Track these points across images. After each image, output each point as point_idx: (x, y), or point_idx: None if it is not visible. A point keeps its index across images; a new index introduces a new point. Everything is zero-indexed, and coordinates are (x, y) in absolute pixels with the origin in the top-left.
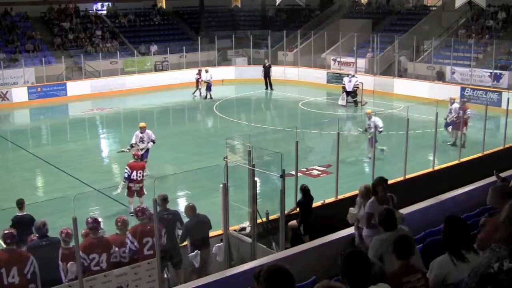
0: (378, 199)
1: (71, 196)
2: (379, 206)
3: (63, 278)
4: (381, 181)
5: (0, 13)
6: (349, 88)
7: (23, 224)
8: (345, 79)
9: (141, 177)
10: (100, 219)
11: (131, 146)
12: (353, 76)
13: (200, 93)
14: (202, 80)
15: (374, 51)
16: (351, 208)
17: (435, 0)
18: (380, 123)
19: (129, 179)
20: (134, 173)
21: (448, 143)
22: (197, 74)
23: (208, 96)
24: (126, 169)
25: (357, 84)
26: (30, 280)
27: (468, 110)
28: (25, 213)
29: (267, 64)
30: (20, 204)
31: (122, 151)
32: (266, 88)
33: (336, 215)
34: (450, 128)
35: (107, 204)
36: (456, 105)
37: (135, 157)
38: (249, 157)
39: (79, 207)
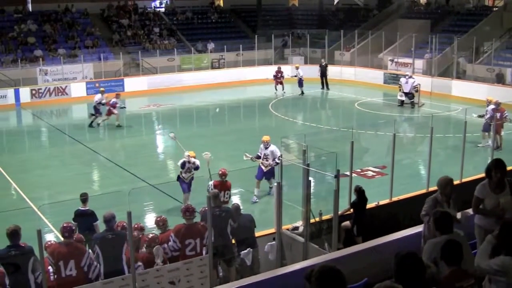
0: (491, 183)
1: (126, 190)
2: (490, 192)
3: (125, 270)
4: (497, 164)
5: (61, 9)
6: (406, 89)
7: (84, 218)
8: (402, 80)
9: (227, 198)
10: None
11: (257, 157)
12: (410, 77)
13: (277, 90)
14: (293, 76)
15: (432, 52)
16: None
17: (497, 0)
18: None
19: None
20: (222, 193)
21: (479, 146)
22: (276, 72)
23: (300, 92)
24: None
25: (416, 86)
26: (86, 273)
27: (505, 112)
28: (87, 207)
29: (323, 64)
30: (84, 198)
31: (247, 156)
32: (323, 87)
33: (390, 217)
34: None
35: (161, 200)
36: (491, 107)
37: (222, 176)
38: (304, 156)
39: (134, 202)
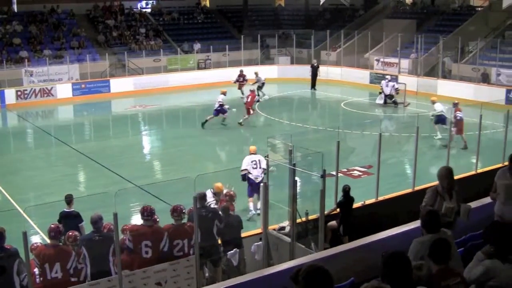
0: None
1: (112, 192)
2: (509, 178)
3: (112, 271)
4: None
5: (47, 10)
6: (386, 92)
7: (70, 220)
8: (383, 83)
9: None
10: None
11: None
12: (390, 80)
13: (243, 94)
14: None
15: (418, 52)
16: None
17: (482, 0)
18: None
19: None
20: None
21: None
22: (239, 75)
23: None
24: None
25: (397, 88)
26: (72, 275)
27: (458, 112)
28: (72, 209)
29: (315, 64)
30: (69, 199)
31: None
32: (312, 88)
33: (376, 216)
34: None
35: (147, 201)
36: (438, 104)
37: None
38: (290, 156)
39: (120, 203)
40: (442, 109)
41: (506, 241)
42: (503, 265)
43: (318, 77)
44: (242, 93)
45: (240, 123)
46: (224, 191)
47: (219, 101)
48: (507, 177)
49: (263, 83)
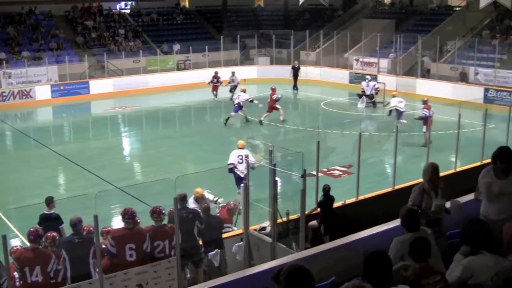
0: (496, 169)
1: (92, 194)
2: (493, 177)
3: (93, 274)
4: (503, 153)
5: (25, 11)
6: (367, 91)
7: (50, 222)
8: (363, 83)
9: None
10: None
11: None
12: (370, 80)
13: (216, 97)
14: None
15: (397, 52)
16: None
17: (459, 0)
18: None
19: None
20: None
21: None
22: (213, 77)
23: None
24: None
25: (377, 88)
26: (52, 278)
27: (428, 110)
28: (52, 211)
29: (296, 65)
30: (49, 202)
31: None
32: (294, 88)
33: (357, 215)
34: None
35: (128, 202)
36: (393, 99)
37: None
38: (270, 156)
39: (101, 205)
40: (396, 104)
41: (481, 238)
42: (478, 257)
43: (298, 78)
44: (215, 96)
45: (260, 122)
46: (212, 198)
47: (246, 98)
48: (491, 175)
49: (235, 86)
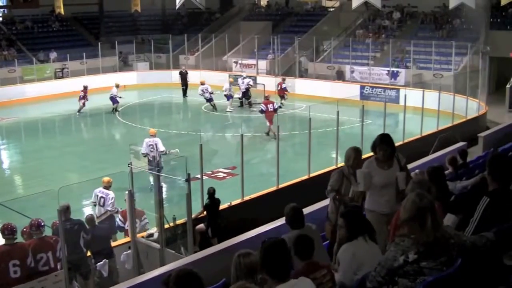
0: (378, 158)
1: None
2: (375, 168)
3: None
4: (383, 140)
5: None
6: (242, 88)
7: None
8: (239, 80)
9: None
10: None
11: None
12: (245, 77)
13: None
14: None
15: (275, 53)
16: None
17: (333, 1)
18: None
19: None
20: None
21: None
22: (82, 91)
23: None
24: None
25: (248, 84)
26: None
27: (262, 105)
28: None
29: (184, 70)
30: None
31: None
32: (184, 95)
33: (244, 216)
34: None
35: (10, 217)
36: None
37: None
38: (154, 162)
39: None
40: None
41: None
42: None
43: (173, 81)
44: (79, 111)
45: (267, 134)
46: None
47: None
48: (373, 166)
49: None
